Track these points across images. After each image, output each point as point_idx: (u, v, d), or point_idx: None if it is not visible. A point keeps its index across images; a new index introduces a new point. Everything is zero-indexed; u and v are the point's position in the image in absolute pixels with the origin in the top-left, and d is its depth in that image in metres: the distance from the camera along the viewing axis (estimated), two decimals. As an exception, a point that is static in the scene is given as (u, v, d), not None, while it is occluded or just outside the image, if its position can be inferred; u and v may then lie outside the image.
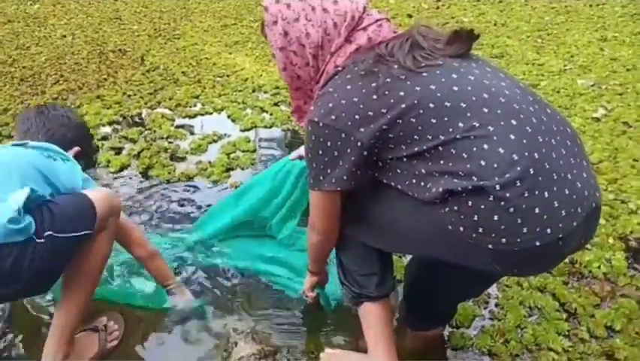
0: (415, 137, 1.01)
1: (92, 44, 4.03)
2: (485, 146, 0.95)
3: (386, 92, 1.03)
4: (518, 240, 0.94)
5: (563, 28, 4.20)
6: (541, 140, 0.97)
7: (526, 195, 0.92)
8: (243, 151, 2.64)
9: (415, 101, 1.00)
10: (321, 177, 1.13)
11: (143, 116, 3.05)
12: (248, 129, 2.87)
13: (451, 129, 0.97)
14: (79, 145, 1.57)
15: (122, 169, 2.53)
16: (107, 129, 2.91)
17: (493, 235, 0.95)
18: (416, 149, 1.01)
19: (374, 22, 1.14)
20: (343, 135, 1.06)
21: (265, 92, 3.28)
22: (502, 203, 0.92)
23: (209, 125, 2.91)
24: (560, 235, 0.95)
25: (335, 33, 1.14)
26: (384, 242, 1.23)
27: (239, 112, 3.02)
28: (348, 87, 1.07)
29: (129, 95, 3.27)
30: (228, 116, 3.02)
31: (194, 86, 3.37)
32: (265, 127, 2.89)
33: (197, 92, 3.29)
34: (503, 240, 0.94)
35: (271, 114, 3.00)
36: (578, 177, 0.98)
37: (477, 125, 0.96)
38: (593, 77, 3.37)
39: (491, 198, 0.93)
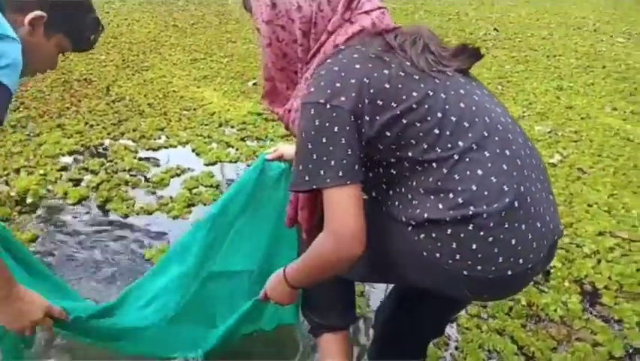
0: (412, 141, 0.98)
1: (57, 72, 3.97)
2: (479, 171, 0.95)
3: (399, 86, 0.98)
4: (493, 268, 0.96)
5: (522, 77, 4.39)
6: (526, 173, 1.00)
7: (506, 226, 0.95)
8: (206, 186, 2.60)
9: (426, 106, 0.97)
10: (322, 172, 0.96)
11: (105, 146, 2.99)
12: (212, 164, 2.84)
13: (450, 145, 0.96)
14: (41, 9, 1.10)
15: (80, 201, 2.45)
16: (67, 159, 2.83)
17: (469, 263, 0.96)
18: (409, 154, 0.98)
19: (377, 9, 1.07)
20: (352, 118, 0.96)
21: (232, 127, 3.27)
22: (482, 233, 0.94)
23: (173, 159, 2.87)
24: (530, 265, 0.99)
25: (329, 10, 1.05)
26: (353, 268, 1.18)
27: (204, 146, 3.00)
28: (357, 66, 0.99)
29: (92, 125, 3.21)
30: (193, 150, 2.99)
31: (160, 118, 3.34)
32: (230, 162, 2.87)
33: (162, 124, 3.26)
34: (479, 267, 0.96)
35: (237, 149, 2.99)
36: (547, 211, 1.02)
37: (475, 147, 0.96)
38: (549, 124, 3.51)
39: (471, 228, 0.94)
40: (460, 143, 0.96)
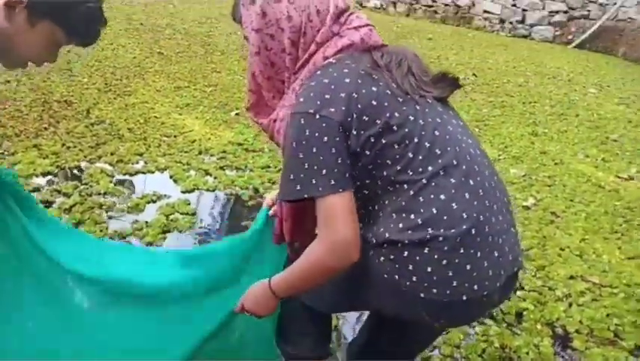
0: (388, 162, 1.01)
1: (37, 92, 3.93)
2: (442, 196, 0.99)
3: (385, 104, 1.01)
4: (448, 292, 0.99)
5: (499, 121, 4.51)
6: (487, 204, 1.03)
7: (461, 251, 0.98)
8: (182, 213, 2.57)
9: (406, 130, 1.01)
10: (314, 180, 0.98)
11: (81, 168, 2.94)
12: (189, 191, 2.82)
13: (421, 169, 1.00)
14: None
15: (49, 223, 2.38)
16: (41, 180, 2.78)
17: (425, 285, 0.99)
18: (384, 173, 1.01)
19: (365, 25, 1.11)
20: (341, 130, 0.99)
21: (212, 155, 3.26)
22: (436, 256, 0.98)
23: (150, 185, 2.84)
24: (485, 293, 1.02)
25: (318, 21, 1.07)
26: (319, 294, 1.19)
27: (182, 173, 2.98)
28: (347, 80, 1.01)
29: (68, 147, 3.16)
30: (171, 177, 2.96)
31: (139, 143, 3.31)
32: (208, 190, 2.85)
33: (141, 149, 3.23)
34: (434, 290, 0.99)
35: (215, 178, 2.98)
36: (507, 243, 1.06)
37: (442, 173, 1.00)
38: (524, 168, 3.59)
39: (426, 251, 0.98)
40: (430, 168, 1.00)
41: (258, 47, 1.09)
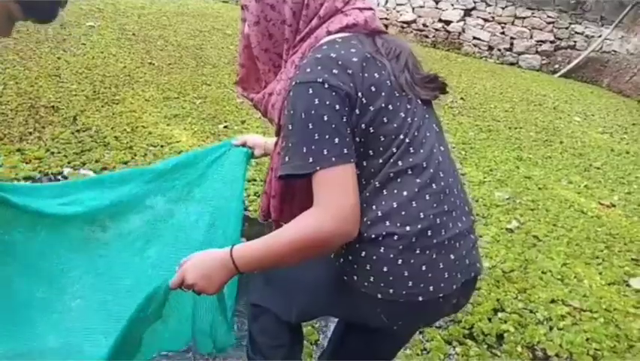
0: (370, 152, 1.01)
1: (24, 97, 3.89)
2: (404, 193, 1.01)
3: (382, 93, 1.01)
4: (403, 292, 1.01)
5: (485, 144, 4.56)
6: (446, 209, 1.05)
7: (417, 251, 1.00)
8: (165, 223, 2.54)
9: (395, 125, 1.01)
10: (326, 150, 0.94)
11: (64, 174, 2.90)
12: (174, 202, 2.79)
13: (392, 161, 1.01)
14: None
15: (28, 228, 2.34)
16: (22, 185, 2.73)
17: (382, 285, 1.01)
18: (364, 163, 1.01)
19: (369, 9, 1.10)
20: (347, 102, 0.97)
21: (198, 167, 3.24)
22: (392, 255, 0.99)
23: (134, 193, 2.80)
24: (441, 295, 1.03)
25: None
26: (287, 302, 1.20)
27: (167, 183, 2.95)
28: (354, 60, 0.99)
29: (52, 153, 3.12)
30: (155, 186, 2.93)
31: (125, 152, 3.28)
32: (192, 201, 2.82)
33: (126, 158, 3.20)
34: (391, 290, 1.01)
35: (200, 189, 2.95)
36: (465, 247, 1.08)
37: (410, 172, 1.02)
38: (508, 191, 3.63)
39: (382, 250, 0.99)
40: (400, 163, 1.02)
41: (257, 17, 1.07)
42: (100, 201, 1.31)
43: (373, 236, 1.00)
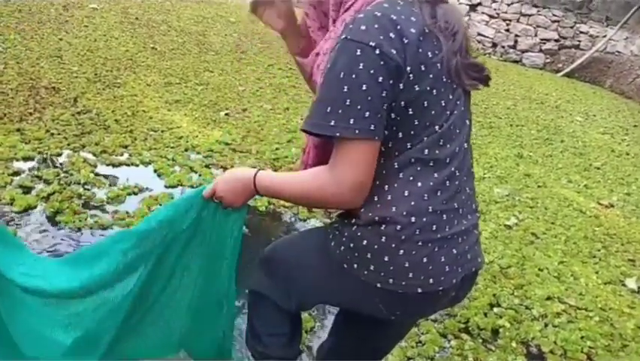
0: (400, 134, 0.98)
1: (25, 77, 3.87)
2: (419, 184, 0.99)
3: (430, 75, 0.95)
4: (403, 283, 1.00)
5: (486, 141, 4.56)
6: (455, 207, 1.04)
7: (419, 244, 0.99)
8: (164, 208, 2.53)
9: (433, 112, 0.98)
10: (352, 121, 0.90)
11: (63, 157, 2.89)
12: (173, 186, 2.78)
13: (418, 147, 0.98)
14: None
15: (26, 210, 2.34)
16: (21, 165, 2.72)
17: (382, 274, 1.00)
18: (390, 144, 0.98)
19: None
20: (396, 74, 0.91)
21: (198, 153, 3.23)
22: (393, 245, 0.98)
23: (133, 177, 2.79)
24: (441, 288, 1.02)
25: None
26: (287, 290, 1.19)
27: (167, 168, 2.94)
28: (413, 30, 0.93)
29: (52, 134, 3.11)
30: (154, 171, 2.92)
31: (125, 135, 3.27)
32: (191, 187, 2.81)
33: (126, 142, 3.19)
34: (390, 280, 1.00)
35: (200, 175, 2.95)
36: (468, 243, 1.07)
37: (431, 164, 1.00)
38: (508, 188, 3.63)
39: (384, 240, 0.98)
40: (426, 152, 1.00)
41: None
42: (69, 282, 1.19)
43: (377, 218, 0.98)
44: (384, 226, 0.99)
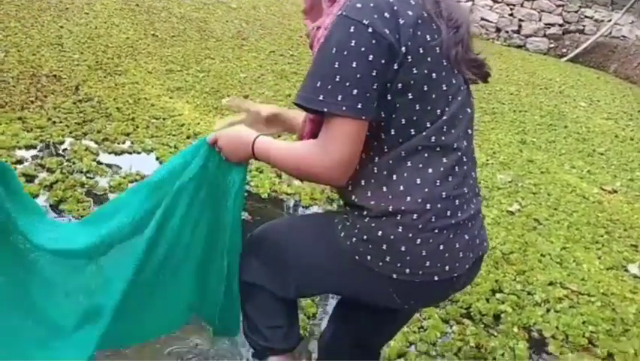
0: (402, 120, 0.97)
1: (26, 65, 3.85)
2: (430, 170, 0.99)
3: (428, 59, 0.95)
4: (420, 272, 0.99)
5: (489, 127, 4.53)
6: (465, 191, 1.05)
7: (435, 231, 0.98)
8: (167, 195, 2.54)
9: (433, 96, 0.97)
10: (340, 97, 0.90)
11: (65, 145, 2.89)
12: (175, 174, 2.78)
13: (424, 134, 0.98)
14: None
15: (29, 197, 2.34)
16: (23, 153, 2.72)
17: (398, 265, 0.99)
18: (392, 132, 0.98)
19: None
20: (388, 54, 0.91)
21: (200, 141, 3.22)
22: (410, 235, 0.97)
23: (135, 165, 2.80)
24: (455, 274, 1.02)
25: None
26: (285, 278, 1.17)
27: (169, 156, 2.94)
28: (410, 13, 0.94)
29: (54, 122, 3.10)
30: (157, 159, 2.92)
31: (127, 123, 3.26)
32: (194, 175, 2.81)
33: (128, 129, 3.18)
34: (407, 270, 0.99)
35: (202, 163, 2.94)
36: (476, 228, 1.07)
37: (439, 150, 1.00)
38: (511, 174, 3.62)
39: (400, 229, 0.97)
40: (433, 139, 0.99)
41: None
42: (90, 237, 1.21)
43: (391, 209, 0.97)
44: (399, 216, 0.97)
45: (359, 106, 0.92)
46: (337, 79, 0.91)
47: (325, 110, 0.92)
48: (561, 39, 8.39)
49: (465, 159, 1.05)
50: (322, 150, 0.96)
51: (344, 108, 0.91)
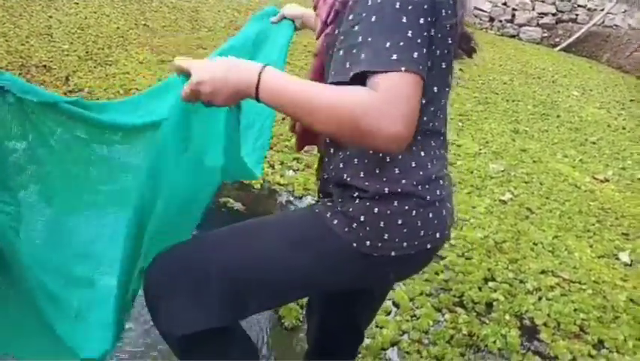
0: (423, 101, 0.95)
1: (15, 55, 3.81)
2: (422, 153, 0.99)
3: (439, 35, 0.92)
4: (416, 242, 0.99)
5: (482, 117, 4.54)
6: (446, 172, 1.06)
7: (428, 204, 0.99)
8: (159, 186, 2.52)
9: (433, 72, 0.94)
10: (416, 54, 0.82)
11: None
12: (167, 165, 2.76)
13: (425, 119, 0.97)
14: None
15: (20, 188, 2.32)
16: (12, 144, 2.69)
17: (396, 240, 0.98)
18: None
19: None
20: (429, 18, 0.87)
21: (192, 132, 3.20)
22: (406, 208, 0.97)
23: (127, 156, 2.77)
24: (443, 241, 1.04)
25: None
26: (246, 298, 1.01)
27: (161, 147, 2.92)
28: None
29: (44, 113, 3.07)
30: (149, 150, 2.90)
31: (118, 114, 3.23)
32: (186, 165, 2.79)
33: (120, 120, 3.15)
34: (405, 243, 0.98)
35: (194, 154, 2.93)
36: (450, 199, 1.08)
37: (428, 133, 1.00)
38: (503, 164, 3.63)
39: (396, 203, 0.96)
40: (431, 125, 1.00)
41: None
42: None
43: (386, 190, 0.96)
44: (395, 197, 0.97)
45: (429, 64, 0.88)
46: (410, 35, 0.82)
47: (403, 69, 0.80)
48: (554, 28, 8.38)
49: (445, 142, 1.07)
50: (385, 99, 0.79)
51: (420, 67, 0.82)
